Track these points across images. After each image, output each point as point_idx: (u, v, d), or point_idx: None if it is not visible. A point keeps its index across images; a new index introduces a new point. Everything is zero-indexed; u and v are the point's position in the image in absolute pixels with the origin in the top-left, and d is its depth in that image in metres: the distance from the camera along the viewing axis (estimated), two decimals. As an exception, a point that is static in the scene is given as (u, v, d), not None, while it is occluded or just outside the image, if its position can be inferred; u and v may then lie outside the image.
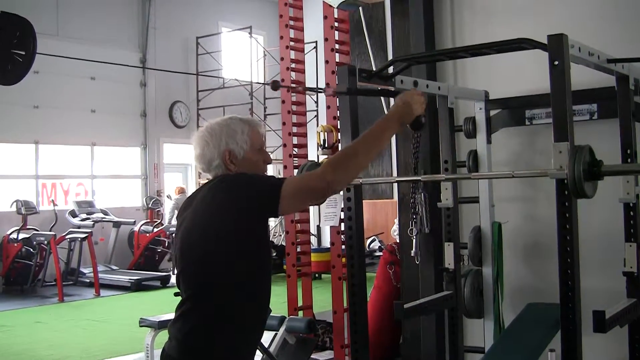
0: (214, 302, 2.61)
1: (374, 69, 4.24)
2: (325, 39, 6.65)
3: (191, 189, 16.42)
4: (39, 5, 13.36)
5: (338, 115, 6.10)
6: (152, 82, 16.07)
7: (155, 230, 14.70)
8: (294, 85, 2.86)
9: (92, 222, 13.62)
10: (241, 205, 2.57)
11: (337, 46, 6.67)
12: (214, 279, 2.61)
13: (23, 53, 2.66)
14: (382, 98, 8.83)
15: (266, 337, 5.95)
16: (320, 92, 2.61)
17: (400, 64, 4.02)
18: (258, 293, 2.72)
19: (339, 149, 3.97)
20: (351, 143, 2.54)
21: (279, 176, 2.71)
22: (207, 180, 2.78)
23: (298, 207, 2.70)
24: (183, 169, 17.45)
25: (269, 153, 2.91)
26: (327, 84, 2.81)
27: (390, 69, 4.07)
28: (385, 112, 7.94)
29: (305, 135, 7.15)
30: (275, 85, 2.86)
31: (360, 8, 8.38)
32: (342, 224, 4.83)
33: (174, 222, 14.99)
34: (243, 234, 2.59)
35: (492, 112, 4.86)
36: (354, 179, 2.53)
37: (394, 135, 5.69)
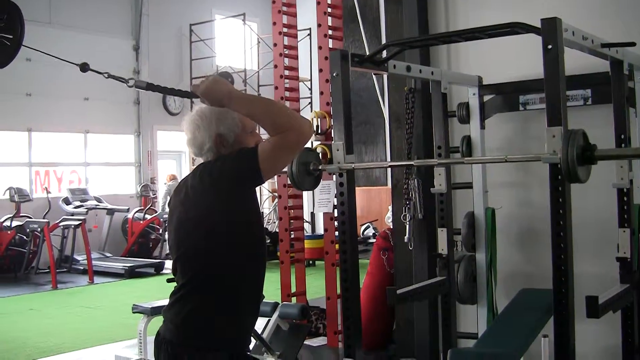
0: (211, 286, 2.65)
1: (368, 55, 4.23)
2: (319, 25, 6.62)
3: (184, 176, 16.39)
4: (31, -8, 13.31)
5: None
6: (145, 70, 16.00)
7: (149, 217, 14.67)
8: (100, 71, 2.84)
9: (86, 210, 13.59)
10: (227, 183, 2.60)
11: (330, 32, 6.63)
12: (210, 262, 2.64)
13: (11, 37, 2.63)
14: (375, 80, 8.82)
15: (259, 324, 5.93)
16: (123, 81, 2.59)
17: (393, 48, 4.00)
18: (254, 274, 2.75)
19: (332, 135, 3.95)
20: (260, 118, 2.59)
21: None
22: (196, 166, 2.79)
23: (280, 163, 2.70)
24: (177, 156, 17.42)
25: (262, 136, 2.90)
26: (132, 78, 2.81)
27: (384, 54, 4.05)
28: (379, 95, 7.94)
29: (298, 121, 7.10)
30: (83, 68, 2.86)
31: (355, -6, 8.35)
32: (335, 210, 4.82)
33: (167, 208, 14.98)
34: (234, 213, 2.63)
35: (486, 98, 4.85)
36: (297, 115, 2.58)
37: (388, 122, 5.71)
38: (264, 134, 2.70)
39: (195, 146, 2.77)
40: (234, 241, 2.64)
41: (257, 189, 2.94)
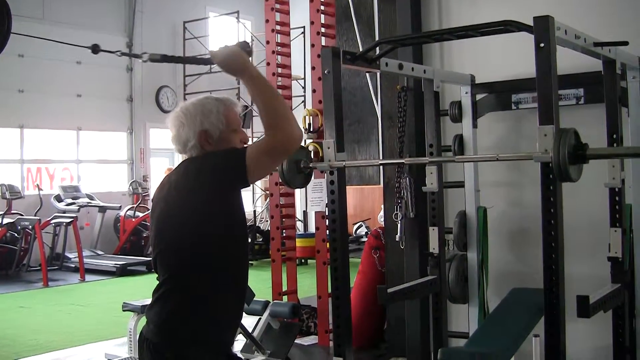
0: (191, 284, 2.61)
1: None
2: (312, 23, 6.60)
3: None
4: (24, -12, 13.24)
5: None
6: (138, 67, 15.94)
7: (141, 215, 14.61)
8: (113, 51, 2.77)
9: (78, 207, 13.52)
10: (212, 182, 2.57)
11: (323, 30, 6.62)
12: (191, 260, 2.60)
13: (-3, 32, 2.61)
14: (368, 79, 8.80)
15: (250, 322, 5.93)
16: (137, 57, 2.50)
17: (385, 46, 3.98)
18: (235, 273, 2.71)
19: (324, 133, 3.93)
20: (260, 105, 2.52)
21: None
22: (181, 162, 2.77)
23: (266, 168, 2.66)
24: (170, 154, 17.35)
25: (246, 133, 2.88)
26: (145, 53, 2.75)
27: (377, 52, 4.03)
28: (372, 94, 7.91)
29: (290, 119, 7.09)
30: (95, 50, 2.80)
31: (349, -8, 8.34)
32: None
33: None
34: (217, 212, 2.59)
35: (478, 97, 4.84)
36: (293, 119, 2.51)
37: (380, 121, 5.69)
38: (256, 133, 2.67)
39: (179, 143, 2.76)
40: (215, 240, 2.60)
41: (250, 186, 2.91)
